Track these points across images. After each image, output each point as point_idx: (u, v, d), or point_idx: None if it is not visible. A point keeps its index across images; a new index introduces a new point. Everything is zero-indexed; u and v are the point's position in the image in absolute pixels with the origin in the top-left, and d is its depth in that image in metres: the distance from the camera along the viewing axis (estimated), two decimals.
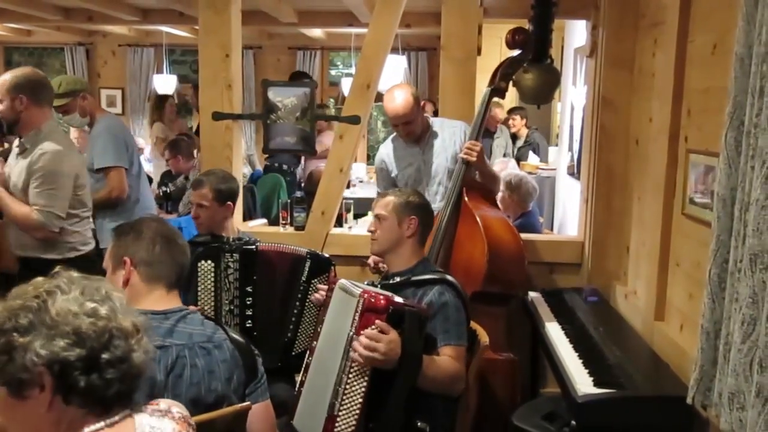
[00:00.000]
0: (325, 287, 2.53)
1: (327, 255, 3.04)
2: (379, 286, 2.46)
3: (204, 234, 2.96)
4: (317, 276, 2.88)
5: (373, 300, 2.12)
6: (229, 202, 2.99)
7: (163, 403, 1.31)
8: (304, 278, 2.88)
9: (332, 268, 2.94)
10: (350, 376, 2.11)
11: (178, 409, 1.32)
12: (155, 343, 1.69)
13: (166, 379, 1.69)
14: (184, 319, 1.79)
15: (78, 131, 7.42)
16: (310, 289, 2.87)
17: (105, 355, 1.18)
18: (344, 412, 2.11)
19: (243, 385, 1.81)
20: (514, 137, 7.11)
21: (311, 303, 2.85)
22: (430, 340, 2.29)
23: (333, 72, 9.29)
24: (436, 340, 2.30)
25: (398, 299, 2.19)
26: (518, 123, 6.94)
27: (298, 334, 2.87)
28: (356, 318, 2.13)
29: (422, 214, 2.53)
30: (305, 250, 2.95)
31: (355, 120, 3.70)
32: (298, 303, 2.87)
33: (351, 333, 2.12)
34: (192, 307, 2.50)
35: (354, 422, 2.09)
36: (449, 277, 2.44)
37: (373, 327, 2.09)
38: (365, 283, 2.44)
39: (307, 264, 2.90)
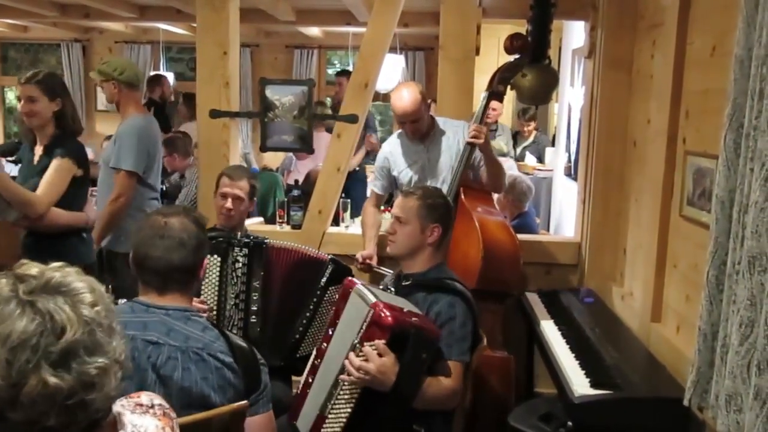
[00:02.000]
0: None
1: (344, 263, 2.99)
2: (393, 290, 2.44)
3: (219, 229, 2.95)
4: (336, 283, 2.83)
5: (381, 314, 2.04)
6: (254, 199, 3.09)
7: (145, 397, 1.26)
8: (322, 283, 2.85)
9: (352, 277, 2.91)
10: (345, 383, 2.10)
11: (160, 401, 1.28)
12: (150, 337, 1.70)
13: (156, 375, 1.68)
14: (187, 320, 1.78)
15: None
16: (326, 294, 2.85)
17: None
18: (333, 416, 2.12)
19: (242, 395, 1.78)
20: (516, 136, 7.07)
21: (324, 308, 2.83)
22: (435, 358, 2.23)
23: (330, 71, 9.27)
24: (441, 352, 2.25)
25: (408, 316, 2.11)
26: (530, 128, 6.91)
27: (306, 336, 2.84)
28: (363, 327, 2.08)
29: (445, 222, 2.48)
30: (328, 256, 2.92)
31: (352, 119, 3.70)
32: (312, 306, 2.84)
33: (356, 341, 2.08)
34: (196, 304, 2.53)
35: (339, 429, 2.10)
36: (462, 288, 2.40)
37: (372, 344, 2.05)
38: (380, 287, 2.41)
39: (329, 270, 2.87)
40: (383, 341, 2.04)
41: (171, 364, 1.69)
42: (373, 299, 2.11)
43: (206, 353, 1.73)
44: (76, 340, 1.02)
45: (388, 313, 2.05)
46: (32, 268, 1.08)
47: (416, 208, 2.43)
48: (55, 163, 3.07)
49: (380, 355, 2.04)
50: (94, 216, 3.37)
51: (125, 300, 1.91)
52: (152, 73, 8.34)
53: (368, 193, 3.85)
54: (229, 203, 2.96)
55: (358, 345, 2.07)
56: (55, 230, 3.11)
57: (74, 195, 3.15)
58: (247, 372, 1.79)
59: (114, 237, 3.49)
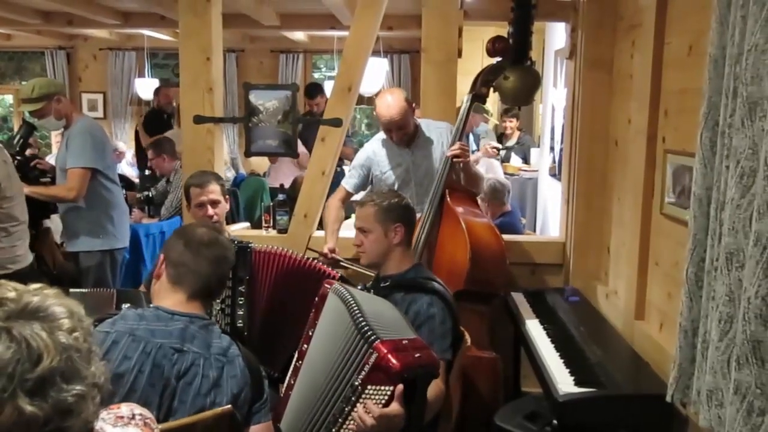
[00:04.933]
0: None
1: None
2: (372, 291, 2.43)
3: None
4: None
5: (386, 360, 1.86)
6: (227, 195, 3.06)
7: (125, 408, 1.26)
8: None
9: None
10: (344, 424, 1.95)
11: (140, 411, 1.28)
12: (176, 345, 1.73)
13: (177, 383, 1.72)
14: (206, 328, 1.82)
15: (59, 135, 7.39)
16: None
17: None
18: None
19: (249, 403, 1.82)
20: (501, 137, 7.11)
21: None
22: None
23: (316, 75, 9.27)
24: None
25: (411, 351, 1.92)
26: (513, 125, 6.96)
27: None
28: (365, 369, 1.89)
29: (406, 219, 2.49)
30: (339, 273, 2.81)
31: (336, 123, 3.70)
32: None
33: (357, 383, 1.90)
34: None
35: None
36: (440, 287, 2.40)
37: (378, 395, 1.87)
38: (358, 287, 2.40)
39: None
40: (391, 388, 1.86)
41: (193, 371, 1.74)
42: (369, 332, 1.92)
43: (226, 360, 1.79)
44: (53, 367, 0.98)
45: (392, 359, 1.85)
46: (9, 290, 1.04)
47: (374, 214, 2.45)
48: None
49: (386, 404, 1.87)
50: None
51: (129, 305, 1.92)
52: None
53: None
54: (209, 211, 2.93)
55: (360, 388, 1.90)
56: None
57: None
58: (254, 379, 1.84)
59: (73, 237, 3.67)
